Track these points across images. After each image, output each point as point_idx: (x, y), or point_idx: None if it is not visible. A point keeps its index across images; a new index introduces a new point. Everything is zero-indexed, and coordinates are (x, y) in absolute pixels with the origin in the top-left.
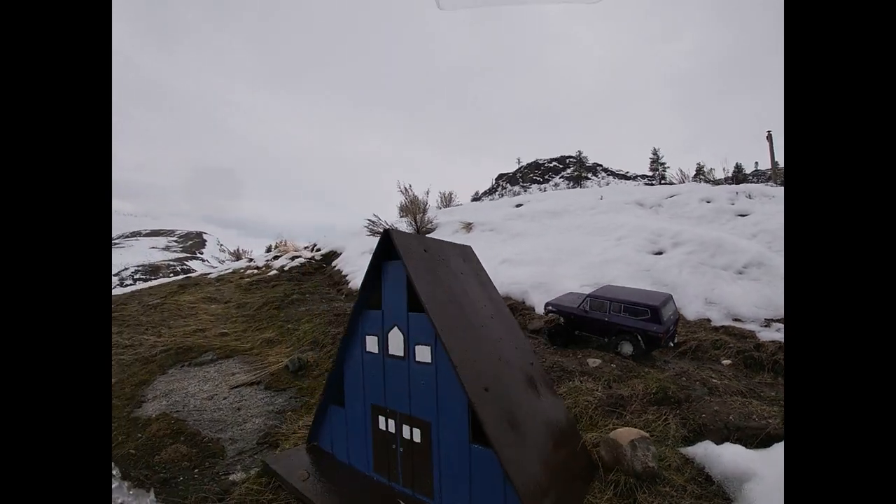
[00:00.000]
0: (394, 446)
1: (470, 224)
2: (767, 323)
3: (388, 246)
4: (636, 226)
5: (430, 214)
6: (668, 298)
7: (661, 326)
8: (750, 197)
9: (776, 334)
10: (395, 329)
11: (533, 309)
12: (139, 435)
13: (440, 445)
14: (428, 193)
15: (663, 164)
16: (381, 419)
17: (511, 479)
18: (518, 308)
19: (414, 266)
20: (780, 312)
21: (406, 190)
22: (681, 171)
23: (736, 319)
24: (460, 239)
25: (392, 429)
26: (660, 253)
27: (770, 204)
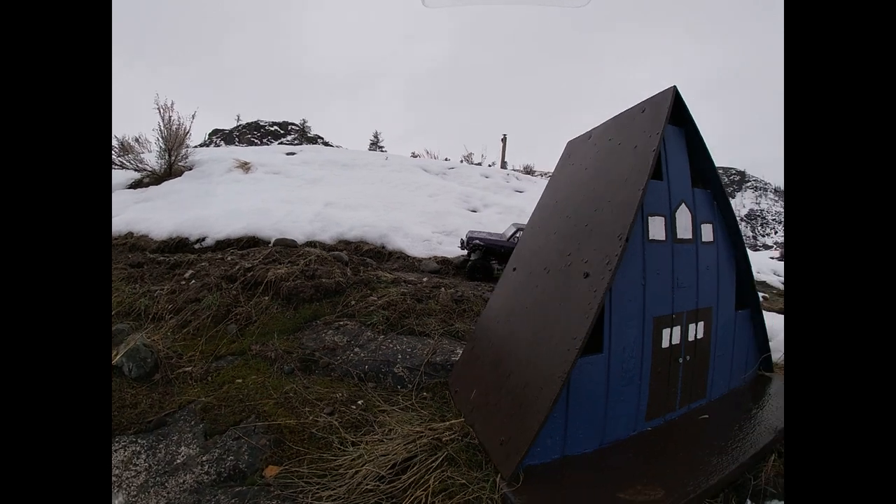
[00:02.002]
0: (680, 360)
1: (248, 164)
2: None
3: (675, 107)
4: (441, 186)
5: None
6: None
7: None
8: (518, 179)
9: None
10: (683, 206)
11: (403, 252)
12: None
13: (717, 328)
14: (194, 118)
15: (382, 146)
16: (666, 333)
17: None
18: (380, 252)
19: (698, 136)
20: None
21: (166, 108)
22: (426, 150)
23: None
24: (239, 179)
25: (677, 339)
26: (475, 210)
27: (535, 186)
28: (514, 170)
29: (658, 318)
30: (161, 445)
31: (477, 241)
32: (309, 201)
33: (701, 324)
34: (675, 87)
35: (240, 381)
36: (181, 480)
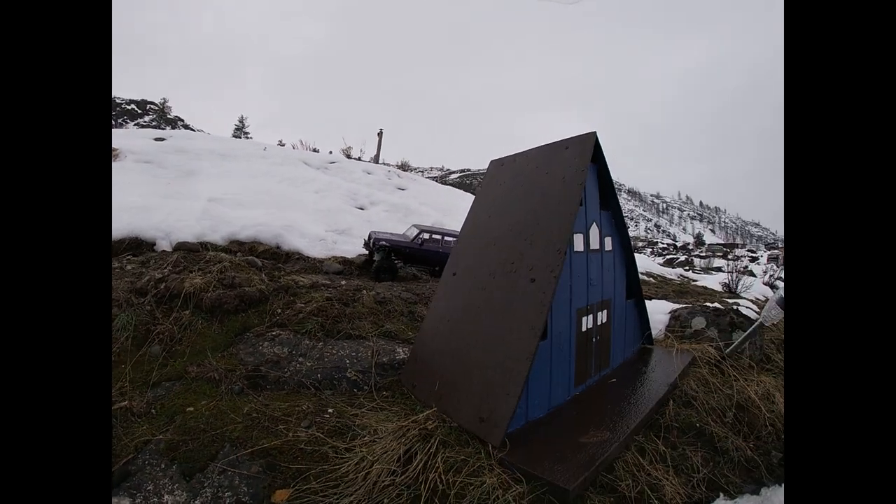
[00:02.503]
0: (594, 339)
1: (115, 150)
2: None
3: (595, 149)
4: (328, 182)
5: None
6: None
7: None
8: (399, 176)
9: None
10: (594, 225)
11: (301, 252)
12: None
13: (615, 314)
14: None
15: (247, 132)
16: (584, 320)
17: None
18: (276, 253)
19: (607, 171)
20: None
21: None
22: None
23: None
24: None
25: (591, 324)
26: (362, 208)
27: (415, 184)
28: (387, 164)
29: (579, 309)
30: (138, 500)
31: (383, 243)
32: (191, 196)
33: (605, 311)
34: (595, 132)
35: (191, 408)
36: None
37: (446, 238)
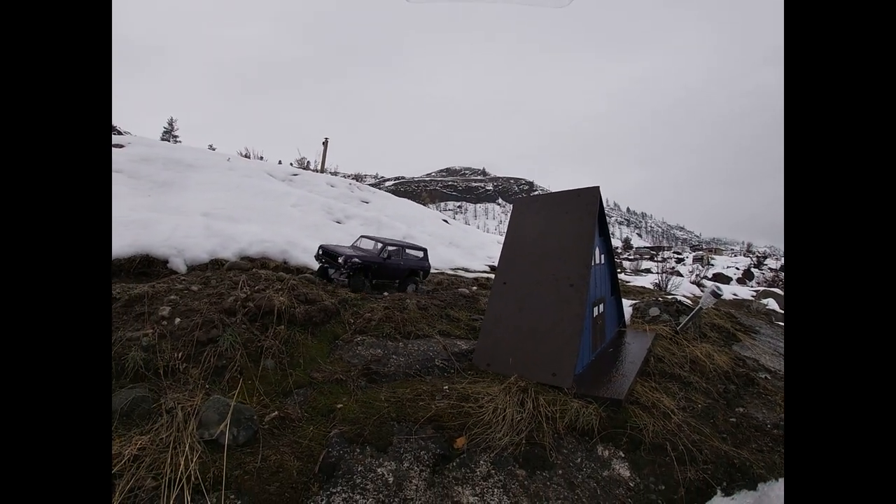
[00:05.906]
0: (599, 323)
1: None
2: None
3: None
4: (302, 196)
5: None
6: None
7: (429, 263)
8: (360, 189)
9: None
10: (596, 247)
11: (308, 267)
12: None
13: (607, 305)
14: None
15: (176, 136)
16: (595, 309)
17: (622, 306)
18: (286, 268)
19: (603, 211)
20: (454, 262)
21: None
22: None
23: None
24: None
25: (597, 312)
26: (339, 222)
27: (375, 196)
28: (335, 173)
29: (593, 301)
30: (358, 479)
31: (355, 260)
32: (181, 210)
33: (602, 304)
34: (598, 186)
35: (340, 405)
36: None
37: (407, 251)
